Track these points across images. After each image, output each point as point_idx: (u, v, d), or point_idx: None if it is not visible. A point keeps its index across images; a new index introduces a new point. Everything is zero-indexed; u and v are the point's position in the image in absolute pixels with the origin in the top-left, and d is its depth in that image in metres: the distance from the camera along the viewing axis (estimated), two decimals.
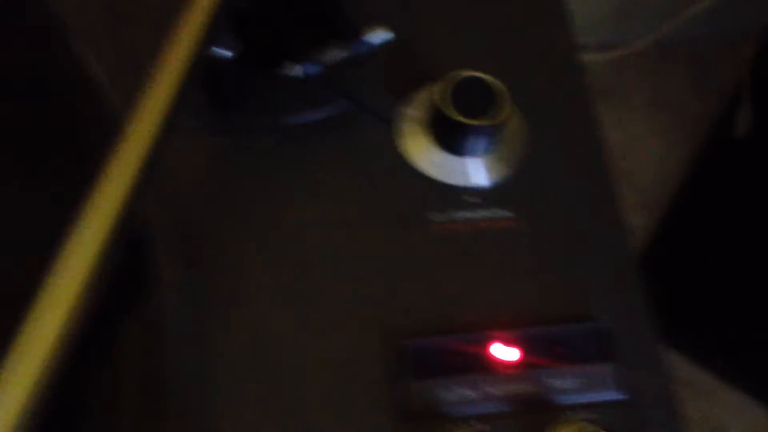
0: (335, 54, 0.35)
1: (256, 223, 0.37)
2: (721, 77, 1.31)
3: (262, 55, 0.36)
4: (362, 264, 0.37)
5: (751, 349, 1.09)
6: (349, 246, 0.37)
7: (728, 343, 1.09)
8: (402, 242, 0.37)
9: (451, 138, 0.38)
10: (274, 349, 0.35)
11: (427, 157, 0.39)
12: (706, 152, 1.22)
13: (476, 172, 0.39)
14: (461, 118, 0.37)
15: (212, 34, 0.31)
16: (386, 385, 0.34)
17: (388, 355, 0.35)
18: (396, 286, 0.37)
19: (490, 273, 0.37)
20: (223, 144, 0.38)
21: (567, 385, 0.35)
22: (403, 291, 0.36)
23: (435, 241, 0.38)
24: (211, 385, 0.33)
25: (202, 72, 0.36)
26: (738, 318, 1.10)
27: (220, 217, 0.37)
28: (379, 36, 0.36)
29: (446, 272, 0.37)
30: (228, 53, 0.34)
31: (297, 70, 0.35)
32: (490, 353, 0.35)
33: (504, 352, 0.35)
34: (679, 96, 1.32)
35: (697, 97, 1.31)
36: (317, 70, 0.35)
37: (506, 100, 0.37)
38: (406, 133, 0.40)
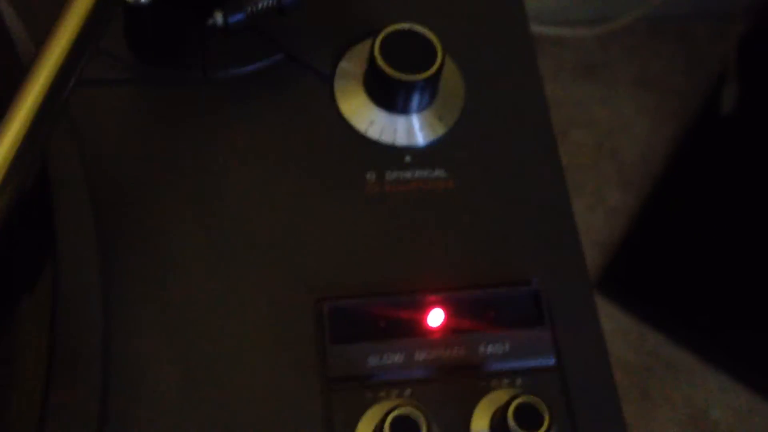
0: (259, 1, 0.33)
1: (181, 181, 0.35)
2: (710, 55, 1.30)
3: (179, 2, 0.34)
4: (293, 224, 0.35)
5: (732, 329, 1.08)
6: (280, 206, 0.36)
7: (710, 324, 1.09)
8: (335, 202, 0.36)
9: (383, 94, 0.37)
10: (196, 310, 0.33)
11: (362, 114, 0.38)
12: (692, 130, 1.22)
13: (411, 130, 0.37)
14: (391, 72, 0.35)
15: None
16: (311, 349, 0.33)
17: (313, 318, 0.33)
18: (327, 247, 0.35)
19: (424, 235, 0.36)
20: (148, 97, 0.37)
21: (498, 350, 0.34)
22: (334, 252, 0.35)
23: (369, 201, 0.36)
24: (126, 353, 0.32)
25: (123, 20, 0.35)
26: (720, 299, 1.09)
27: (143, 175, 0.36)
28: None
29: (379, 233, 0.36)
30: None
31: (217, 18, 0.33)
32: (415, 316, 0.34)
33: (431, 316, 0.34)
34: (667, 73, 1.30)
35: (684, 75, 1.30)
36: (239, 18, 0.33)
37: (439, 53, 0.36)
38: (343, 89, 0.38)
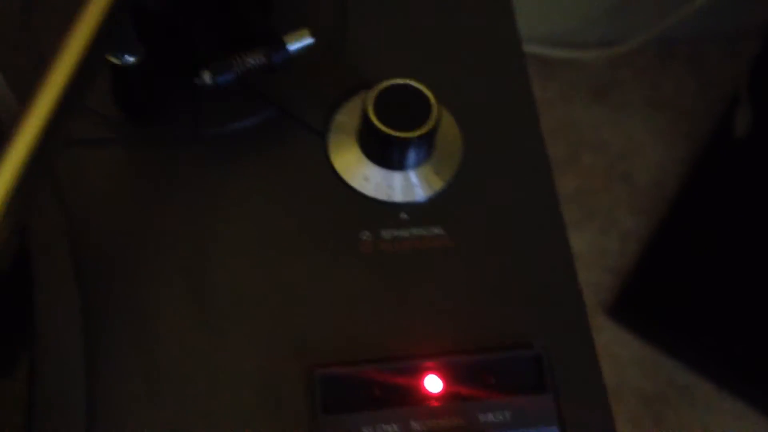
0: (248, 60, 0.32)
1: (170, 244, 0.35)
2: (721, 76, 1.29)
3: (168, 61, 0.33)
4: (284, 286, 0.34)
5: (749, 355, 1.06)
6: (272, 265, 0.35)
7: (726, 351, 1.07)
8: (329, 262, 0.35)
9: (378, 150, 0.36)
10: (183, 377, 0.32)
11: (357, 170, 0.37)
12: (705, 153, 1.20)
13: (407, 186, 0.36)
14: (385, 129, 0.34)
15: (109, 35, 0.29)
16: (302, 419, 0.32)
17: (304, 385, 0.32)
18: (320, 310, 0.34)
19: (421, 296, 0.35)
20: (136, 157, 0.36)
21: (498, 418, 0.32)
22: (328, 315, 0.34)
23: (364, 261, 0.35)
24: (110, 423, 0.31)
25: (111, 78, 0.34)
26: (736, 324, 1.07)
27: (135, 235, 0.35)
28: (297, 41, 0.34)
29: (374, 295, 0.35)
30: (130, 58, 0.31)
31: (206, 77, 0.32)
32: (411, 383, 0.32)
33: (427, 382, 0.33)
34: (678, 95, 1.29)
35: (696, 96, 1.28)
36: (228, 78, 0.32)
37: (434, 109, 0.35)
38: (337, 145, 0.37)
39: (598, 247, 1.20)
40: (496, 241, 0.36)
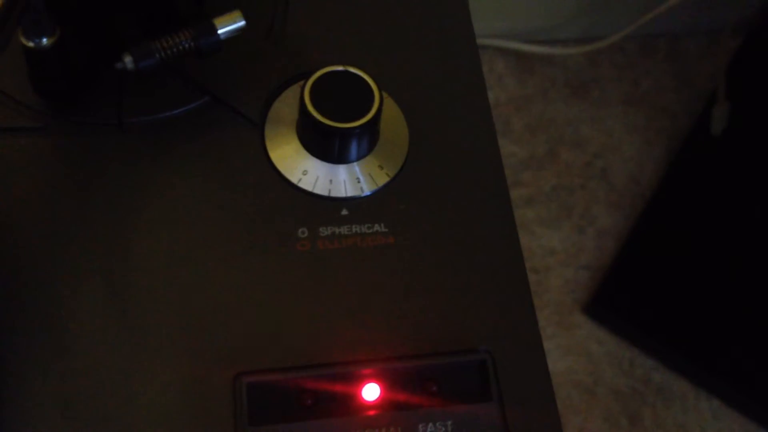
0: (174, 43, 0.30)
1: (94, 237, 0.32)
2: (700, 72, 1.28)
3: (88, 44, 0.31)
4: (213, 287, 0.32)
5: (726, 354, 1.06)
6: (200, 265, 0.32)
7: (703, 349, 1.06)
8: (262, 261, 0.33)
9: (317, 142, 0.34)
10: (101, 384, 0.30)
11: (295, 163, 0.34)
12: (683, 150, 1.19)
13: (348, 180, 0.34)
14: (323, 120, 0.32)
15: (19, 16, 0.26)
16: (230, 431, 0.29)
17: (231, 395, 0.30)
18: (251, 313, 0.32)
19: (360, 298, 0.33)
20: (57, 147, 0.33)
21: (441, 429, 0.30)
22: (258, 318, 0.32)
23: (300, 259, 0.33)
24: (21, 415, 0.29)
25: (27, 63, 0.31)
26: (713, 322, 1.07)
27: (52, 232, 0.32)
28: (228, 23, 0.31)
29: (310, 296, 0.32)
30: (44, 40, 0.29)
31: (127, 62, 0.30)
32: (347, 391, 0.30)
33: (365, 391, 0.30)
34: (657, 92, 1.28)
35: (675, 93, 1.27)
36: (151, 63, 0.30)
37: (376, 97, 0.32)
38: (274, 137, 0.35)
39: (575, 245, 1.18)
40: (441, 239, 0.34)
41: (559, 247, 1.18)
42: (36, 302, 0.31)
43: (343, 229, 0.33)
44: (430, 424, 0.30)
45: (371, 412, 0.30)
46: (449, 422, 0.30)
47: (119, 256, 0.32)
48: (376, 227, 0.34)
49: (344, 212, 0.34)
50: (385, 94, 0.35)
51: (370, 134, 0.34)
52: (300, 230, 0.33)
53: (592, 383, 1.10)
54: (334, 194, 0.34)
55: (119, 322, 0.31)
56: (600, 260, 1.15)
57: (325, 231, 0.33)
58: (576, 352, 1.12)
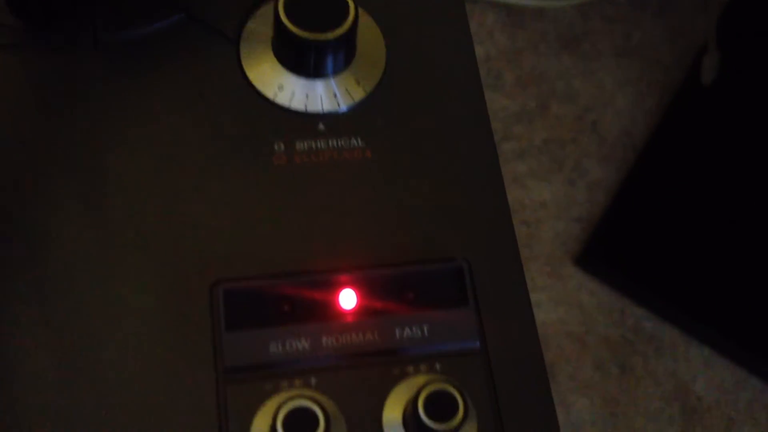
0: None
1: (66, 158, 0.32)
2: (692, 25, 1.27)
3: None
4: (190, 200, 0.32)
5: (716, 303, 1.06)
6: (176, 180, 0.33)
7: (693, 298, 1.07)
8: (238, 175, 0.33)
9: (292, 56, 0.34)
10: (77, 296, 0.30)
11: (271, 79, 0.34)
12: (674, 103, 1.19)
13: (325, 95, 0.34)
14: (297, 31, 0.32)
15: None
16: (206, 337, 0.30)
17: (208, 303, 0.30)
18: (227, 225, 0.32)
19: (337, 209, 0.33)
20: (30, 65, 0.33)
21: (416, 333, 0.31)
22: (235, 230, 0.32)
23: (277, 172, 0.33)
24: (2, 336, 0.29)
25: None
26: (703, 272, 1.07)
27: (23, 152, 0.32)
28: None
29: (287, 208, 0.33)
30: None
31: None
32: (322, 298, 0.31)
33: (341, 297, 0.31)
34: (649, 44, 1.27)
35: (667, 45, 1.27)
36: None
37: (351, 7, 0.32)
38: (249, 52, 0.35)
39: (566, 197, 1.19)
40: (418, 154, 0.34)
41: (551, 200, 1.18)
42: (12, 217, 0.31)
43: (320, 144, 0.34)
44: (407, 329, 0.31)
45: (348, 319, 0.31)
46: (425, 327, 0.31)
47: (95, 171, 0.32)
48: (354, 142, 0.34)
49: (321, 127, 0.34)
50: (362, 11, 0.35)
51: (346, 47, 0.34)
52: (276, 144, 0.33)
53: (583, 333, 1.11)
54: (310, 109, 0.34)
55: (96, 234, 0.31)
56: (591, 213, 1.15)
57: (301, 145, 0.33)
58: (567, 302, 1.13)
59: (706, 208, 1.09)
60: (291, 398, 0.27)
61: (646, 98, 1.24)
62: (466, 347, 0.31)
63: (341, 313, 0.31)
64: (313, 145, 0.34)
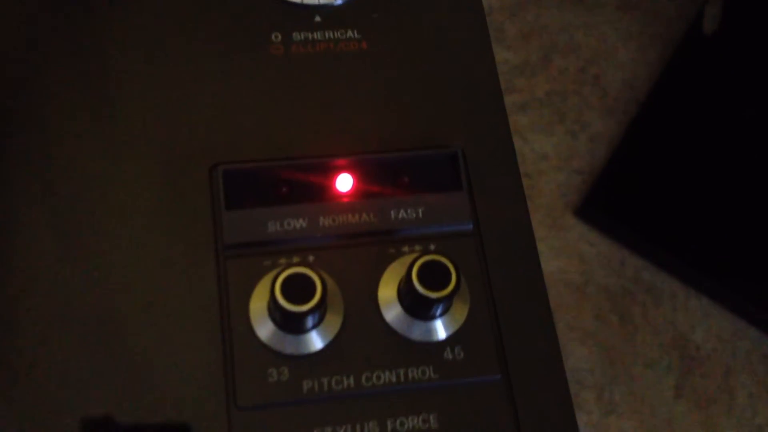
0: None
1: (72, 49, 0.33)
2: None
3: None
4: (190, 87, 0.33)
5: (715, 253, 1.07)
6: (177, 65, 0.33)
7: (692, 248, 1.07)
8: (236, 64, 0.33)
9: None
10: (81, 176, 0.31)
11: None
12: (675, 55, 1.18)
13: None
14: None
15: None
16: (207, 216, 0.30)
17: (209, 184, 0.31)
18: (226, 112, 0.32)
19: (334, 98, 0.33)
20: None
21: (410, 215, 0.31)
22: (234, 117, 0.32)
23: (274, 62, 0.33)
24: (8, 224, 0.30)
25: None
26: (702, 223, 1.07)
27: (32, 45, 0.33)
28: None
29: (284, 97, 0.33)
30: None
31: None
32: (320, 181, 0.31)
33: (338, 180, 0.31)
34: None
35: None
36: None
37: None
38: None
39: (568, 149, 1.19)
40: (414, 46, 0.34)
41: (552, 152, 1.18)
42: (16, 111, 0.32)
43: (317, 35, 0.34)
44: (402, 211, 0.31)
45: (344, 200, 0.31)
46: (420, 209, 0.31)
47: (97, 64, 0.32)
48: (350, 33, 0.34)
49: (317, 19, 0.34)
50: None
51: None
52: (273, 35, 0.34)
53: (583, 283, 1.12)
54: (307, 1, 0.34)
55: (99, 120, 0.32)
56: (592, 165, 1.15)
57: (298, 36, 0.34)
58: (567, 253, 1.13)
59: (707, 160, 1.09)
60: (289, 266, 0.27)
61: (648, 51, 1.24)
62: (460, 229, 0.31)
63: (338, 195, 0.31)
64: (310, 37, 0.34)
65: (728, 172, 1.08)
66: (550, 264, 1.13)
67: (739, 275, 1.07)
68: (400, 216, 0.31)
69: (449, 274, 0.28)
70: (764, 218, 1.07)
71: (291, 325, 0.28)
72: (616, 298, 1.11)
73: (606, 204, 1.11)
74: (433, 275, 0.28)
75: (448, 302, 0.29)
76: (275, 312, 0.28)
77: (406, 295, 0.29)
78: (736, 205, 1.07)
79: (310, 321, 0.28)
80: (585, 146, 1.19)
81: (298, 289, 0.27)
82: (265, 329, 0.29)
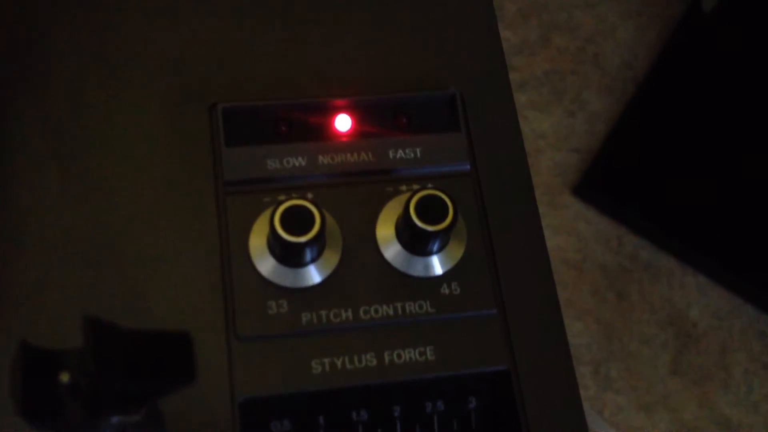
0: None
1: None
2: None
3: None
4: (188, 26, 0.33)
5: (712, 231, 1.07)
6: (179, 7, 0.33)
7: (689, 227, 1.07)
8: (239, 4, 0.33)
9: None
10: (82, 113, 0.31)
11: None
12: (674, 36, 1.18)
13: None
14: None
15: None
16: (207, 153, 0.31)
17: (209, 122, 0.31)
18: (226, 52, 0.33)
19: (334, 42, 0.33)
20: None
21: (410, 155, 0.32)
22: (234, 57, 0.33)
23: (273, 5, 0.34)
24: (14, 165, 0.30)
25: None
26: (699, 201, 1.08)
27: None
28: None
29: (284, 38, 0.33)
30: None
31: None
32: (320, 120, 0.31)
33: (337, 120, 0.32)
34: None
35: None
36: None
37: None
38: None
39: (566, 128, 1.19)
40: None
41: (550, 131, 1.19)
42: (20, 37, 0.32)
43: None
44: (400, 151, 0.32)
45: (344, 140, 0.31)
46: (418, 149, 0.32)
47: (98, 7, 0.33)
48: None
49: None
50: None
51: None
52: None
53: (580, 260, 1.12)
54: None
55: (101, 56, 0.32)
56: (590, 143, 1.16)
57: None
58: (565, 231, 1.14)
59: (704, 139, 1.10)
60: (289, 199, 0.28)
61: (647, 31, 1.24)
62: (457, 169, 0.32)
63: (337, 135, 0.31)
64: None
65: (725, 151, 1.09)
66: (548, 242, 1.13)
67: (736, 253, 1.07)
68: (398, 156, 0.31)
69: (446, 207, 0.28)
70: (761, 197, 1.07)
71: (290, 257, 0.28)
72: (614, 275, 1.12)
73: (604, 183, 1.11)
74: (431, 209, 0.28)
75: (445, 237, 0.29)
76: (274, 244, 0.28)
77: (403, 230, 0.29)
78: (733, 184, 1.08)
79: (308, 254, 0.28)
80: (583, 125, 1.19)
81: (297, 220, 0.27)
82: (264, 263, 0.29)
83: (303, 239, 0.27)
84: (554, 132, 1.19)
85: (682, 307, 1.11)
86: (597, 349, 1.10)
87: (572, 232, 1.14)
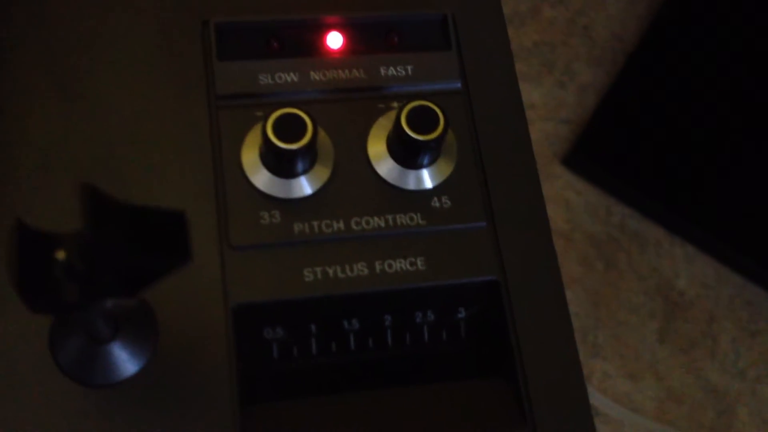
0: None
1: None
2: None
3: None
4: None
5: (699, 201, 1.08)
6: None
7: (677, 196, 1.08)
8: None
9: None
10: (77, 28, 0.31)
11: None
12: (664, 8, 1.19)
13: None
14: None
15: None
16: (200, 68, 0.31)
17: (201, 38, 0.31)
18: None
19: None
20: None
21: (401, 72, 0.32)
22: None
23: None
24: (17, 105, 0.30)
25: None
26: (687, 171, 1.08)
27: None
28: None
29: None
30: None
31: None
32: (311, 37, 0.32)
33: (329, 38, 0.32)
34: None
35: None
36: None
37: None
38: None
39: (556, 99, 1.19)
40: None
41: (540, 102, 1.19)
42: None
43: None
44: (392, 68, 0.32)
45: (336, 56, 0.32)
46: (410, 67, 0.32)
47: None
48: None
49: None
50: None
51: None
52: None
53: (569, 230, 1.13)
54: None
55: None
56: (580, 114, 1.16)
57: None
58: (554, 201, 1.14)
59: (692, 110, 1.10)
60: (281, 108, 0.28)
61: (637, 4, 1.24)
62: (448, 87, 0.32)
63: (329, 52, 0.32)
64: None
65: (713, 122, 1.09)
66: None
67: (723, 222, 1.08)
68: (390, 73, 0.32)
69: (437, 118, 0.28)
70: (748, 167, 1.08)
71: (282, 166, 0.29)
72: (602, 245, 1.12)
73: (593, 153, 1.11)
74: (422, 119, 0.28)
75: (435, 149, 0.29)
76: (266, 153, 0.28)
77: (394, 141, 0.29)
78: (721, 155, 1.08)
79: (300, 164, 0.29)
80: (573, 96, 1.20)
81: (290, 128, 0.28)
82: (256, 174, 0.29)
83: (295, 146, 0.27)
84: (544, 103, 1.20)
85: (670, 276, 1.12)
86: (585, 317, 1.10)
87: (561, 202, 1.15)
